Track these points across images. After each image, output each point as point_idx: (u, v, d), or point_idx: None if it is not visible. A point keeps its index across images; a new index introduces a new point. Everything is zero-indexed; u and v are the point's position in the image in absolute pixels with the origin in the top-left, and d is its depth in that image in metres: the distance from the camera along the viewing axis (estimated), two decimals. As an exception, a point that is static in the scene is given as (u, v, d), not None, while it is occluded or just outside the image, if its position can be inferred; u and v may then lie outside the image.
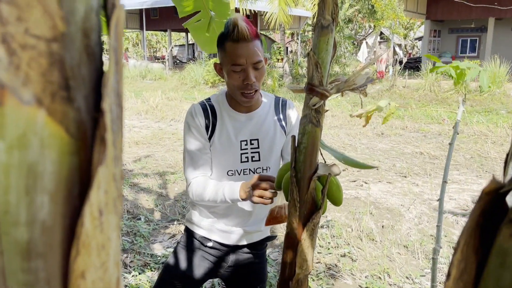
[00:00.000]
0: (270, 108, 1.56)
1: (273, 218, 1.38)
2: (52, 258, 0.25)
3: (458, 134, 1.73)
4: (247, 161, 1.50)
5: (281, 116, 1.56)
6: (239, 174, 1.51)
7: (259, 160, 1.51)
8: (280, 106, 1.57)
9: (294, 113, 1.59)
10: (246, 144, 1.50)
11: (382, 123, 1.73)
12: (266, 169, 1.52)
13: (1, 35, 0.20)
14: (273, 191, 1.31)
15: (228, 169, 1.50)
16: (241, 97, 1.43)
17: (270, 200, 1.31)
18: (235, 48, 1.36)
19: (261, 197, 1.30)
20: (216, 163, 1.51)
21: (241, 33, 1.34)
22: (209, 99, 1.55)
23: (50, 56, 0.22)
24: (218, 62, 1.48)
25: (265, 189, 1.30)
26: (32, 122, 0.22)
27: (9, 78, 0.21)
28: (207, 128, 1.48)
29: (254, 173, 1.51)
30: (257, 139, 1.50)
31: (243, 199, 1.37)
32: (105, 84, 0.24)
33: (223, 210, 1.56)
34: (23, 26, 0.20)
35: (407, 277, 2.95)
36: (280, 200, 1.39)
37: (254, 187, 1.32)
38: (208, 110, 1.49)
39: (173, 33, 32.02)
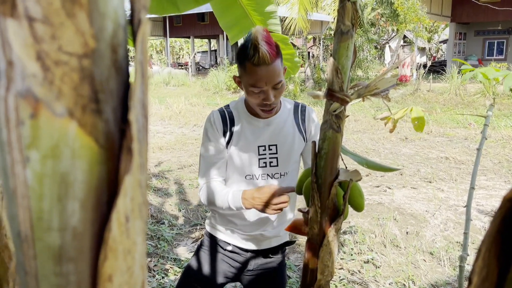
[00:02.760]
0: (290, 114, 1.56)
1: (295, 228, 1.39)
2: (82, 262, 0.26)
3: (486, 139, 1.69)
4: (265, 166, 1.51)
5: (300, 122, 1.56)
6: (257, 179, 1.52)
7: (277, 165, 1.51)
8: (300, 112, 1.57)
9: (314, 119, 1.59)
10: (264, 150, 1.51)
11: (418, 131, 1.70)
12: (284, 175, 1.53)
13: (36, 53, 0.22)
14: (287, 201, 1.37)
15: (246, 173, 1.52)
16: (260, 111, 1.45)
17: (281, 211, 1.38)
18: (255, 71, 1.35)
19: (278, 209, 1.36)
20: (234, 167, 1.53)
21: (261, 59, 1.32)
22: (228, 106, 1.56)
23: (81, 71, 0.23)
24: (237, 75, 1.48)
25: (284, 202, 1.35)
26: (64, 133, 0.23)
27: (43, 93, 0.22)
28: (224, 134, 1.49)
29: (272, 178, 1.52)
30: (276, 145, 1.51)
31: (247, 208, 1.41)
32: (131, 97, 0.25)
33: (241, 215, 1.57)
34: (57, 43, 0.22)
35: (432, 285, 2.88)
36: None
37: (268, 203, 1.36)
38: (227, 116, 1.51)
39: (196, 40, 32.41)
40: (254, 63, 1.34)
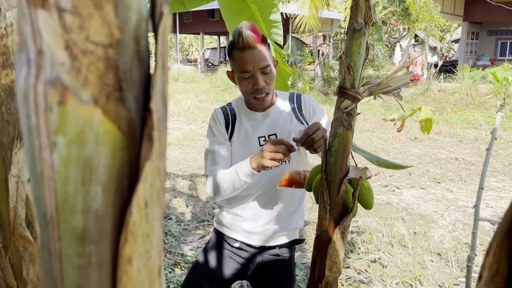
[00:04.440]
0: (286, 103, 1.61)
1: (287, 181, 1.41)
2: (103, 244, 0.27)
3: (496, 139, 1.68)
4: None
5: (297, 109, 1.60)
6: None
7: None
8: (295, 100, 1.63)
9: (311, 102, 1.62)
10: (264, 140, 1.55)
11: (425, 133, 1.70)
12: (285, 162, 1.55)
13: (65, 42, 0.23)
14: (285, 152, 1.34)
15: None
16: (254, 100, 1.50)
17: (279, 163, 1.33)
18: (241, 56, 1.43)
19: (273, 159, 1.32)
20: (237, 160, 1.56)
21: (245, 41, 1.40)
22: (230, 103, 1.64)
23: (107, 61, 0.24)
24: (230, 70, 1.55)
25: (277, 152, 1.31)
26: (89, 120, 0.24)
27: (70, 81, 0.23)
28: (227, 128, 1.56)
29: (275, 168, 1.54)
30: (275, 134, 1.56)
31: (254, 168, 1.37)
32: (153, 86, 0.26)
33: (248, 211, 1.58)
34: (85, 33, 0.23)
35: (439, 286, 2.87)
36: (298, 166, 1.41)
37: (265, 150, 1.33)
38: (228, 112, 1.58)
39: (205, 36, 32.47)
40: (239, 47, 1.42)
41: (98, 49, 0.23)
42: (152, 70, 0.29)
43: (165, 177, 0.30)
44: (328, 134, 1.19)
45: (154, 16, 0.28)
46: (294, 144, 1.36)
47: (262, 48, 1.44)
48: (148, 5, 0.28)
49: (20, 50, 0.24)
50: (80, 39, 0.23)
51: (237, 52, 1.44)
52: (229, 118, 1.57)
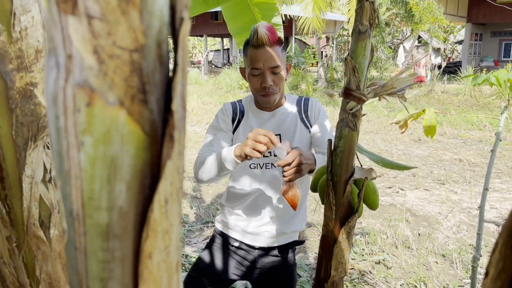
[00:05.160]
0: (293, 106, 1.63)
1: (286, 192, 1.39)
2: (126, 239, 0.28)
3: (500, 141, 1.68)
4: (270, 155, 1.56)
5: (303, 112, 1.62)
6: (261, 168, 1.58)
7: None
8: (302, 103, 1.64)
9: (317, 106, 1.63)
10: None
11: (428, 136, 1.71)
12: (270, 153, 1.56)
13: (93, 47, 0.24)
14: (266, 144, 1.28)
15: (250, 162, 1.58)
16: (261, 97, 1.52)
17: (260, 154, 1.28)
18: (254, 53, 1.46)
19: (255, 149, 1.27)
20: None
21: (260, 39, 1.44)
22: (240, 100, 1.67)
23: (132, 64, 0.25)
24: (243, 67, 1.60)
25: (260, 142, 1.27)
26: (115, 120, 0.26)
27: (98, 83, 0.25)
28: (233, 121, 1.60)
29: (275, 166, 1.54)
30: (279, 134, 1.57)
31: (237, 156, 1.33)
32: (174, 88, 0.27)
33: (248, 210, 1.60)
34: (112, 39, 0.24)
35: (444, 287, 2.87)
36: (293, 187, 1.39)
37: (249, 138, 1.29)
38: (237, 107, 1.62)
39: (208, 39, 32.54)
40: (253, 44, 1.46)
41: (124, 54, 0.25)
42: (171, 73, 0.30)
43: (183, 175, 0.31)
44: (333, 136, 1.20)
45: (174, 21, 0.29)
46: (280, 146, 1.32)
47: (275, 48, 1.47)
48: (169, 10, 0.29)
49: (50, 55, 0.25)
50: (108, 44, 0.24)
51: (251, 49, 1.47)
52: (237, 113, 1.60)
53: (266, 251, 1.64)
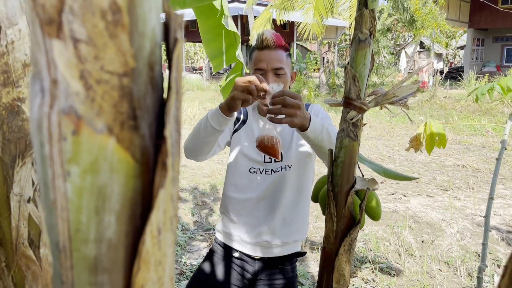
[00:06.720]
0: None
1: (260, 142, 1.34)
2: (116, 272, 0.27)
3: (506, 149, 1.66)
4: (270, 161, 1.55)
5: None
6: (261, 172, 1.57)
7: (281, 160, 1.54)
8: None
9: (317, 110, 1.61)
10: None
11: (429, 152, 1.69)
12: (285, 168, 1.54)
13: (80, 72, 0.23)
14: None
15: (250, 166, 1.57)
16: (260, 99, 1.46)
17: (250, 96, 1.23)
18: (258, 55, 1.48)
19: (245, 90, 1.22)
20: (239, 160, 1.58)
21: (264, 41, 1.46)
22: None
23: (121, 89, 0.24)
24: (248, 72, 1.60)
25: (250, 82, 1.22)
26: (103, 149, 0.24)
27: (85, 110, 0.23)
28: (234, 123, 1.59)
29: (275, 172, 1.54)
30: (279, 139, 1.54)
31: (222, 108, 1.29)
32: (167, 113, 0.26)
33: (247, 218, 1.58)
34: (99, 63, 0.23)
35: (448, 296, 2.84)
36: (269, 131, 1.34)
37: (238, 82, 1.24)
38: (241, 110, 1.61)
39: (210, 44, 32.52)
40: (258, 47, 1.48)
41: (112, 78, 0.23)
42: (165, 95, 0.29)
43: (177, 202, 0.29)
44: (332, 125, 1.18)
45: (167, 41, 0.28)
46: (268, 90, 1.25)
47: (279, 52, 1.47)
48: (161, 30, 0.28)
49: (34, 79, 0.24)
50: (95, 69, 0.23)
51: (256, 51, 1.49)
52: (241, 115, 1.61)
53: (266, 261, 1.62)
